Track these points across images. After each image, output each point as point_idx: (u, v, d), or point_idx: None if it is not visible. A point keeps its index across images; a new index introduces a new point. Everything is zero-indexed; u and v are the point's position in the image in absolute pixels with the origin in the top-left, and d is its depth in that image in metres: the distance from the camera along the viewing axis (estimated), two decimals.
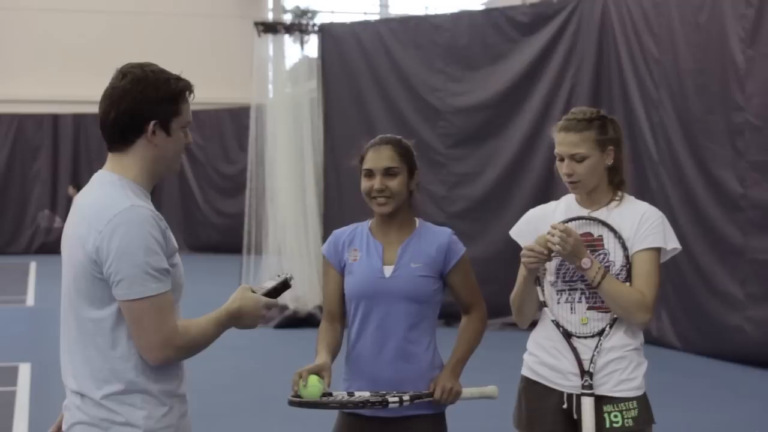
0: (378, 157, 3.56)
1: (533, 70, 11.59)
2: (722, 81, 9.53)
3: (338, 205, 12.14)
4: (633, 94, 10.51)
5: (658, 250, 3.51)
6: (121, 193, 2.73)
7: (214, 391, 8.43)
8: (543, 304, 3.58)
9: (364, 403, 3.32)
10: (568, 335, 3.51)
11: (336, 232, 3.73)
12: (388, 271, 3.56)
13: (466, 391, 3.55)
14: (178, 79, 2.81)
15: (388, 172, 3.55)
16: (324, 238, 11.76)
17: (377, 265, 3.57)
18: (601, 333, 3.49)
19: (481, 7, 19.50)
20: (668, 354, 9.75)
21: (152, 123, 2.75)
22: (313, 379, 3.35)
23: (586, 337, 3.50)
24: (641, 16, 10.47)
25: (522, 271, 3.59)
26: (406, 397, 3.38)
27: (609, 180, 3.58)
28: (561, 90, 11.41)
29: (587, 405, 3.44)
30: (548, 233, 3.44)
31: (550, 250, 3.44)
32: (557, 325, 3.53)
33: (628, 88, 10.59)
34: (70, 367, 2.78)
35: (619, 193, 3.59)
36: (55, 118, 24.45)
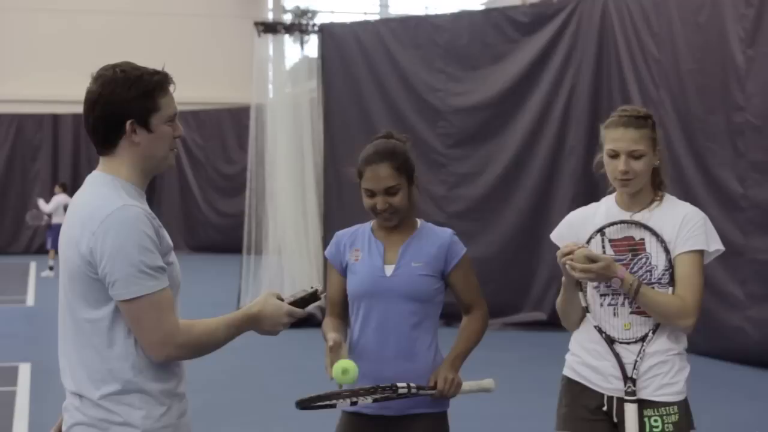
0: (377, 177, 3.53)
1: (533, 70, 11.60)
2: (722, 81, 9.54)
3: (338, 205, 12.14)
4: (633, 94, 10.51)
5: (700, 253, 3.45)
6: (114, 193, 2.72)
7: (214, 390, 8.44)
8: (585, 310, 3.52)
9: (375, 389, 3.30)
10: (610, 341, 3.46)
11: (338, 233, 3.74)
12: (389, 270, 3.57)
13: (465, 385, 3.56)
14: (152, 73, 2.77)
15: (389, 191, 3.54)
16: (324, 238, 11.79)
17: (378, 264, 3.58)
18: (644, 338, 3.43)
19: (481, 7, 19.50)
20: None
21: (129, 122, 2.73)
22: (348, 364, 3.31)
23: (629, 343, 3.44)
24: (641, 16, 10.48)
25: (564, 277, 3.53)
26: (413, 384, 3.38)
27: (651, 180, 3.54)
28: (561, 90, 11.42)
29: (631, 411, 3.39)
30: (568, 264, 3.38)
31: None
32: (600, 330, 3.47)
33: (628, 88, 10.59)
34: (68, 368, 2.77)
35: (660, 194, 3.54)
36: (55, 118, 24.47)
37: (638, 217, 3.50)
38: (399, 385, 3.34)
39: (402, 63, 12.35)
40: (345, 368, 3.30)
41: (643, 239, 3.47)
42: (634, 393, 3.40)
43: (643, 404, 3.42)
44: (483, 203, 11.80)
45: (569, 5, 11.43)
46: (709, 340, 9.68)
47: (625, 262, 3.46)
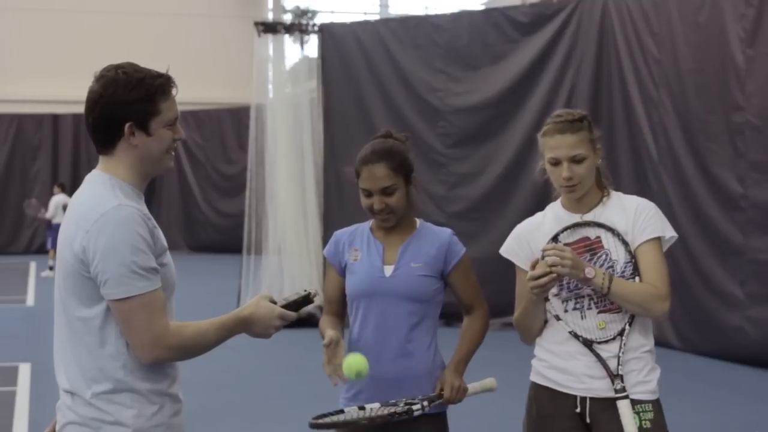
0: (373, 177, 3.53)
1: (533, 70, 11.59)
2: (722, 81, 9.53)
3: (338, 205, 12.14)
4: (633, 94, 10.51)
5: (659, 240, 3.44)
6: (110, 193, 2.72)
7: (213, 391, 8.44)
8: (556, 318, 3.45)
9: (392, 415, 3.26)
10: (589, 343, 3.40)
11: (337, 233, 3.74)
12: (388, 270, 3.57)
13: (470, 388, 3.56)
14: (155, 76, 2.77)
15: (386, 191, 3.54)
16: (324, 238, 11.78)
17: (377, 264, 3.58)
18: (621, 333, 3.39)
19: (481, 7, 19.50)
20: (668, 354, 9.74)
21: (127, 125, 2.73)
22: (354, 359, 3.32)
23: (607, 341, 3.40)
24: (641, 16, 10.48)
25: (528, 295, 3.43)
26: (425, 403, 3.34)
27: (596, 180, 3.50)
28: (561, 90, 11.41)
29: (625, 408, 3.32)
30: (543, 256, 3.33)
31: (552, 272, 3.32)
32: (575, 335, 3.41)
33: (628, 88, 10.59)
34: (62, 366, 2.78)
35: (606, 191, 3.51)
36: (55, 118, 24.48)
37: (589, 216, 3.47)
38: (414, 408, 3.30)
39: (402, 63, 12.35)
40: (359, 371, 3.30)
41: (599, 237, 3.43)
42: (623, 389, 3.35)
43: (617, 402, 3.35)
44: (483, 203, 11.80)
45: (569, 5, 11.43)
46: (709, 340, 9.69)
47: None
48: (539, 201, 11.48)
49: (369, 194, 3.56)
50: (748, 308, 9.33)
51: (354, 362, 3.32)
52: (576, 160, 3.41)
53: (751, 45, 9.30)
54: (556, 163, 3.44)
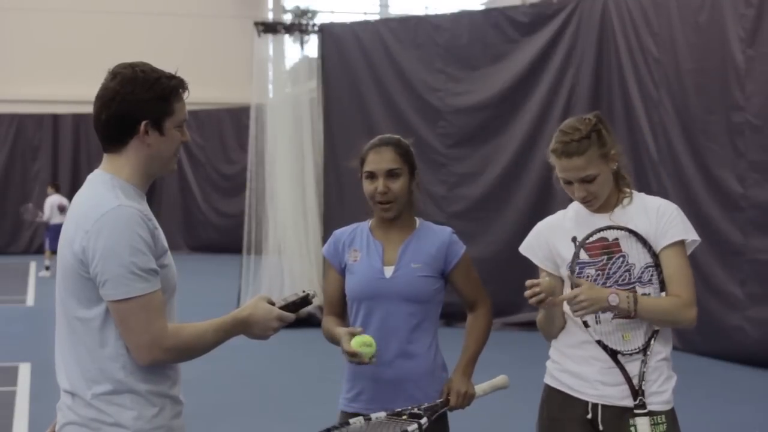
0: (380, 159, 3.54)
1: (533, 70, 11.60)
2: (722, 81, 9.54)
3: (338, 205, 12.15)
4: (633, 94, 10.52)
5: (681, 243, 3.35)
6: (111, 192, 2.71)
7: (214, 391, 8.43)
8: (585, 324, 3.33)
9: None
10: (614, 354, 3.32)
11: (336, 232, 3.73)
12: (388, 271, 3.56)
13: (479, 389, 3.54)
14: (170, 77, 2.78)
15: (391, 174, 3.53)
16: (324, 238, 11.78)
17: (377, 265, 3.57)
18: (646, 347, 3.34)
19: (481, 7, 19.50)
20: None
21: (143, 123, 2.73)
22: (362, 341, 3.35)
23: (631, 354, 3.33)
24: (641, 16, 10.48)
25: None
26: (423, 420, 3.27)
27: (615, 181, 3.43)
28: (561, 90, 11.41)
29: (644, 425, 3.27)
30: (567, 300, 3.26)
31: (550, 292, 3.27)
32: (604, 346, 3.33)
33: (628, 88, 10.59)
34: (62, 366, 2.77)
35: (626, 191, 3.44)
36: (55, 118, 24.47)
37: (613, 218, 3.39)
38: (410, 429, 3.21)
39: (402, 63, 12.35)
40: (365, 342, 3.34)
41: (617, 239, 3.36)
42: (644, 405, 3.29)
43: (628, 412, 3.31)
44: (483, 203, 11.80)
45: (569, 5, 11.43)
46: (709, 340, 9.68)
47: (600, 265, 3.35)
48: (539, 201, 11.56)
49: (373, 177, 3.55)
50: (748, 308, 9.33)
51: (363, 345, 3.35)
52: (587, 180, 3.35)
53: (751, 45, 9.31)
54: (568, 182, 3.39)
